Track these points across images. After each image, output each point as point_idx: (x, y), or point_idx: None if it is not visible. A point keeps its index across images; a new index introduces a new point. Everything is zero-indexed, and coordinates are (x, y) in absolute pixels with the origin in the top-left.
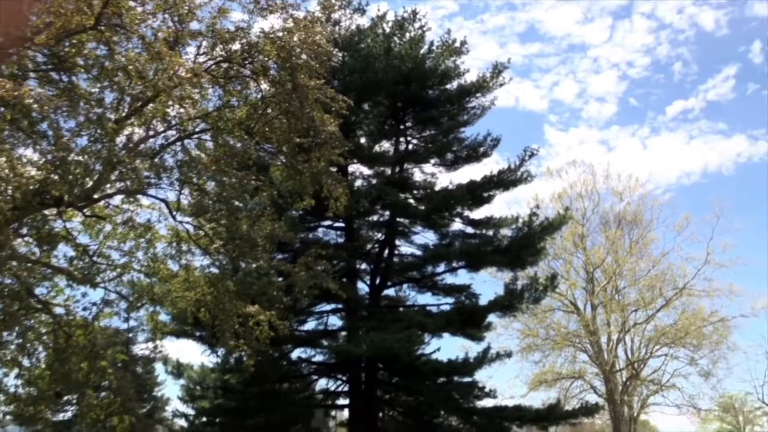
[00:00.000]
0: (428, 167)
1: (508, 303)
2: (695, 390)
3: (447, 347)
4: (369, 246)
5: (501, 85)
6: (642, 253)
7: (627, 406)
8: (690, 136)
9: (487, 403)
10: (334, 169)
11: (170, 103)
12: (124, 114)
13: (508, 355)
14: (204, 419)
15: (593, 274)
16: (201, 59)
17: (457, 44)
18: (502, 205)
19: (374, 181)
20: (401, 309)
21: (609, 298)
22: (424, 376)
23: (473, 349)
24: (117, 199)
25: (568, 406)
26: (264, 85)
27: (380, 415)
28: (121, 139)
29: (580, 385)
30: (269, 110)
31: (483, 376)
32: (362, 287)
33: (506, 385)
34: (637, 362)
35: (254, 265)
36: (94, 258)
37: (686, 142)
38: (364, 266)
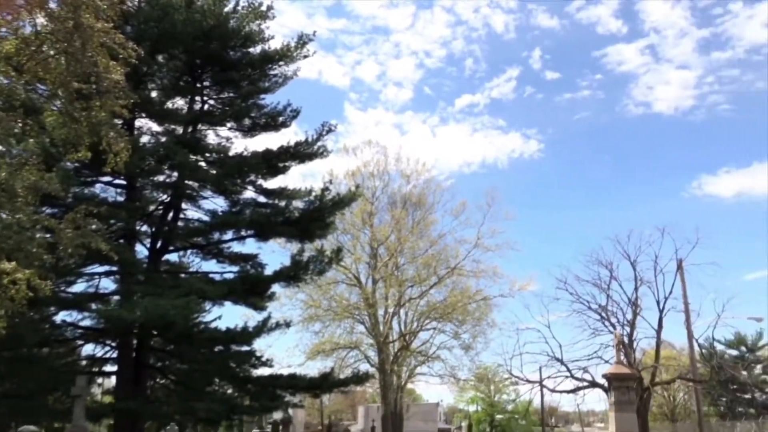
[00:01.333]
0: (224, 131)
1: (293, 274)
2: (457, 362)
3: (229, 316)
4: (152, 207)
5: (305, 56)
6: (422, 233)
7: (396, 376)
8: (474, 128)
9: (263, 371)
10: (117, 121)
11: None
12: None
13: (288, 324)
14: None
15: (377, 250)
16: None
17: (264, 8)
18: (296, 177)
19: (163, 139)
20: (183, 275)
21: (389, 273)
22: (201, 344)
23: (255, 318)
24: None
25: (342, 375)
26: (40, 19)
27: (150, 382)
28: None
29: (355, 355)
30: (45, 47)
31: (262, 345)
32: (141, 250)
33: (285, 354)
34: (409, 335)
35: (13, 218)
36: None
37: (470, 134)
38: (145, 228)
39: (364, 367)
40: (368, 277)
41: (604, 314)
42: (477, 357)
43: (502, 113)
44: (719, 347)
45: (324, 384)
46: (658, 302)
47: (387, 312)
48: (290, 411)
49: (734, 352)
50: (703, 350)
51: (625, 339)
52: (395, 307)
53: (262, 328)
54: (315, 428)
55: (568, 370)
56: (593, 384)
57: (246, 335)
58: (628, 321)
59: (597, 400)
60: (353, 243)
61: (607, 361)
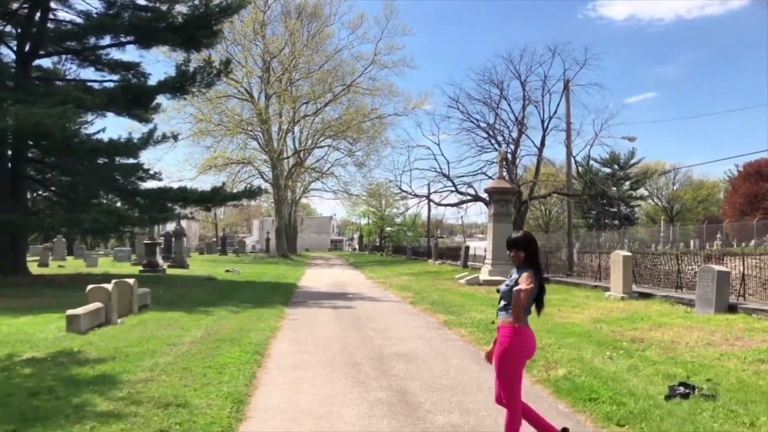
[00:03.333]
0: None
1: (179, 84)
2: (350, 178)
3: (114, 129)
4: (16, 5)
5: None
6: (318, 47)
7: (291, 191)
8: None
9: (153, 185)
10: None
11: None
12: None
13: (175, 137)
14: None
15: (270, 64)
16: None
17: None
18: None
19: None
20: (58, 83)
21: (283, 89)
22: (83, 156)
23: (141, 131)
24: None
25: (236, 190)
26: None
27: (32, 195)
28: None
29: (249, 170)
30: None
31: (151, 159)
32: (8, 54)
33: (176, 168)
34: (303, 151)
35: None
36: None
37: None
38: (9, 29)
39: (258, 182)
40: (261, 93)
41: (491, 132)
42: (369, 174)
43: None
44: (595, 165)
45: (215, 197)
46: (542, 121)
47: (281, 129)
48: (184, 223)
49: (608, 170)
50: (579, 167)
51: (509, 156)
52: (289, 124)
53: (147, 140)
54: (209, 240)
55: (454, 186)
56: (476, 198)
57: (131, 147)
58: (514, 139)
59: (478, 213)
60: (244, 55)
61: (490, 177)
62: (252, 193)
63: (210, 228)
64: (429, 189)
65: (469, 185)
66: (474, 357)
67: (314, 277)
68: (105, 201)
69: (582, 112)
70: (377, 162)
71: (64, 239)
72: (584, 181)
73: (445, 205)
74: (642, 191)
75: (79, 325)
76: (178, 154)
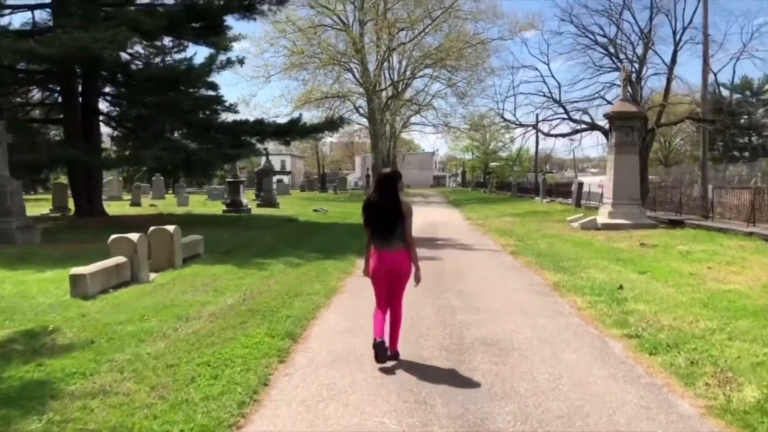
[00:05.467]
0: None
1: (247, 2)
2: (450, 110)
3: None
4: None
5: None
6: None
7: (389, 125)
8: None
9: (228, 117)
10: None
11: None
12: None
13: (240, 61)
14: None
15: None
16: None
17: None
18: None
19: None
20: (110, 8)
21: (378, 15)
22: (141, 86)
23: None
24: None
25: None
26: None
27: (100, 128)
28: None
29: (347, 106)
30: None
31: (245, 94)
32: None
33: (272, 104)
34: (401, 82)
35: None
36: None
37: None
38: None
39: (355, 117)
40: (355, 20)
41: (611, 48)
42: (471, 104)
43: None
44: (724, 92)
45: (293, 129)
46: (674, 33)
47: (377, 58)
48: (287, 161)
49: (738, 96)
50: (709, 93)
51: (633, 76)
52: (385, 53)
53: (210, 65)
54: (313, 177)
55: (566, 112)
56: (592, 126)
57: (192, 74)
58: (638, 56)
59: (593, 145)
60: None
61: (609, 102)
62: (333, 124)
63: (316, 165)
64: (536, 118)
65: (584, 112)
66: (598, 350)
67: None
68: (176, 136)
69: (726, 19)
70: (480, 92)
71: (161, 177)
72: (722, 106)
73: (556, 135)
74: None
75: (86, 287)
76: (273, 90)
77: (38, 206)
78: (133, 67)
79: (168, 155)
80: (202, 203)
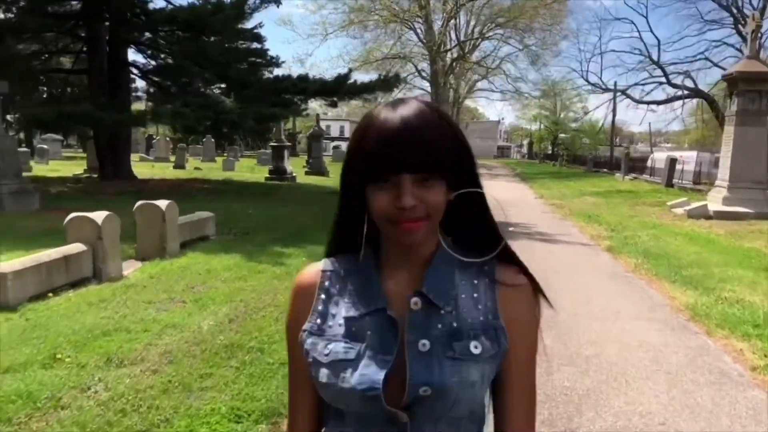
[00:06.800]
0: None
1: None
2: (521, 74)
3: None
4: None
5: None
6: None
7: (453, 89)
8: None
9: (272, 74)
10: None
11: None
12: None
13: (277, 1)
14: None
15: None
16: None
17: None
18: None
19: None
20: None
21: None
22: (170, 35)
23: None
24: None
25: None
26: None
27: (130, 80)
28: None
29: (408, 68)
30: None
31: (300, 53)
32: None
33: (329, 64)
34: (468, 42)
35: None
36: None
37: None
38: None
39: (417, 81)
40: None
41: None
42: (545, 69)
43: None
44: None
45: (340, 88)
46: None
47: (443, 16)
48: (345, 128)
49: None
50: None
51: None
52: (452, 11)
53: (241, 5)
54: None
55: (665, 75)
56: (696, 93)
57: (221, 16)
58: (755, 7)
59: (671, 119)
60: None
61: (716, 65)
62: (388, 83)
63: None
64: (614, 86)
65: (687, 75)
66: None
67: None
68: (209, 91)
69: None
70: (554, 55)
71: (212, 139)
72: None
73: (650, 102)
74: None
75: (5, 292)
76: (331, 50)
77: (77, 165)
78: (151, 6)
79: (191, 113)
80: (250, 169)
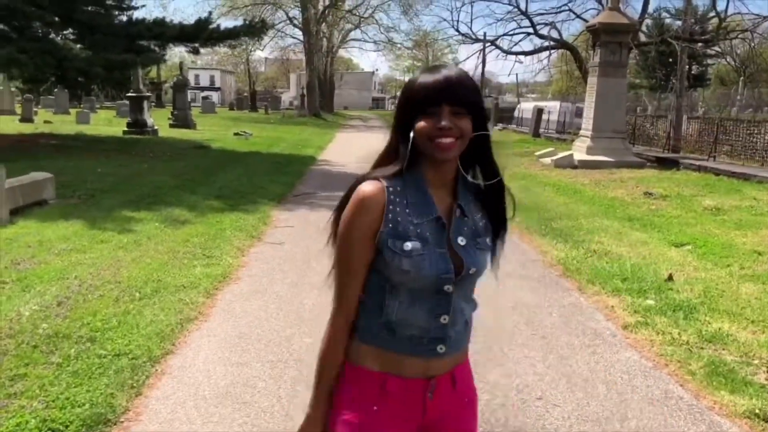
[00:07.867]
0: None
1: None
2: (393, 25)
3: None
4: None
5: None
6: None
7: (326, 39)
8: None
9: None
10: None
11: None
12: None
13: None
14: None
15: None
16: None
17: None
18: None
19: None
20: None
21: None
22: None
23: None
24: None
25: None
26: None
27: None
28: None
29: (279, 16)
30: None
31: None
32: None
33: (194, 9)
34: None
35: None
36: None
37: None
38: None
39: (289, 29)
40: None
41: None
42: (417, 20)
43: None
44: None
45: (201, 34)
46: None
47: None
48: (216, 75)
49: (679, 23)
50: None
51: None
52: None
53: None
54: (243, 94)
55: (533, 26)
56: (561, 44)
57: None
58: None
59: (535, 71)
60: None
61: (578, 16)
62: (253, 29)
63: (248, 83)
64: (484, 37)
65: (552, 26)
66: None
67: (343, 146)
68: (53, 36)
69: None
70: (425, 5)
71: (65, 89)
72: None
73: (518, 53)
74: (716, 49)
75: None
76: None
77: None
78: None
79: (29, 59)
80: (108, 122)
